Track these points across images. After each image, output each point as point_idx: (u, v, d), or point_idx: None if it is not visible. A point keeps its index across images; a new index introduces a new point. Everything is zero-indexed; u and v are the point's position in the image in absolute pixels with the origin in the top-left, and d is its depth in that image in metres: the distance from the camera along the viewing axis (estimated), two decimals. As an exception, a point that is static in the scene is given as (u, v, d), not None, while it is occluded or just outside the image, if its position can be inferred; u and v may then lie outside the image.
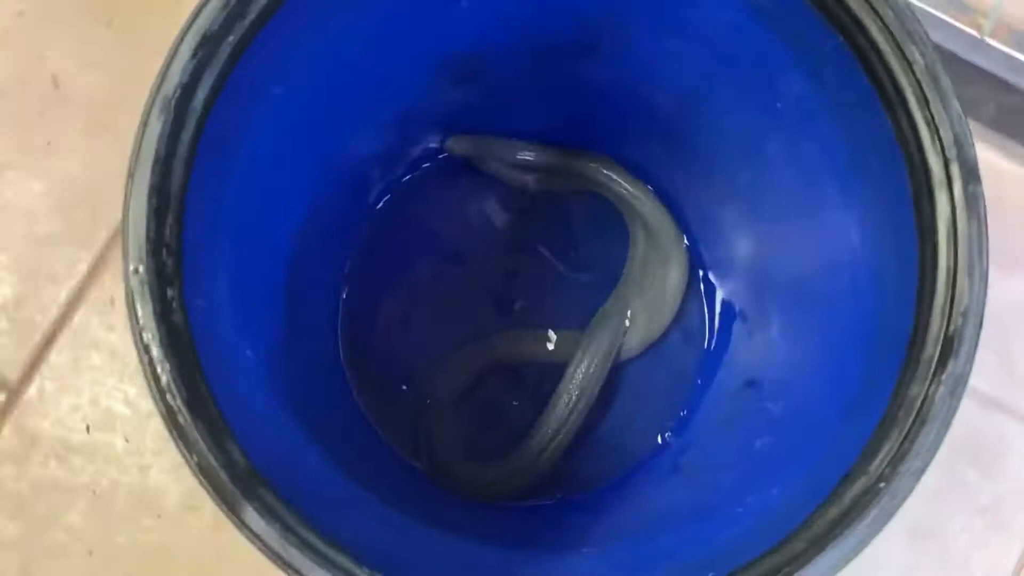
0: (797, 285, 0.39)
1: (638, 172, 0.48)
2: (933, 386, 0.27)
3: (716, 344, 0.47)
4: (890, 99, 0.29)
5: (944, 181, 0.28)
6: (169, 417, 0.27)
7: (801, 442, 0.34)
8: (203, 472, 0.26)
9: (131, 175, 0.28)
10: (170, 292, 0.27)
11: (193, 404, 0.27)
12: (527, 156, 0.47)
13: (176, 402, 0.27)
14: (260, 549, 0.26)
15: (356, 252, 0.47)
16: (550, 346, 0.46)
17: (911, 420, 0.27)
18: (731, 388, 0.44)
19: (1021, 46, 0.47)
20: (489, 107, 0.45)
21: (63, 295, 0.51)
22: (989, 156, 0.55)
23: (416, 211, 0.48)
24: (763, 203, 0.41)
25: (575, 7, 0.39)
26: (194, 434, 0.26)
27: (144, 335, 0.27)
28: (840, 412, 0.32)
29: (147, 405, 0.51)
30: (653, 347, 0.47)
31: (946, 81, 0.28)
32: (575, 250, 0.48)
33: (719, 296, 0.47)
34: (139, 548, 0.49)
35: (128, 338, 0.51)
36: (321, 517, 0.28)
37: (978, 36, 0.47)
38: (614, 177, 0.47)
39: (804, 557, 0.26)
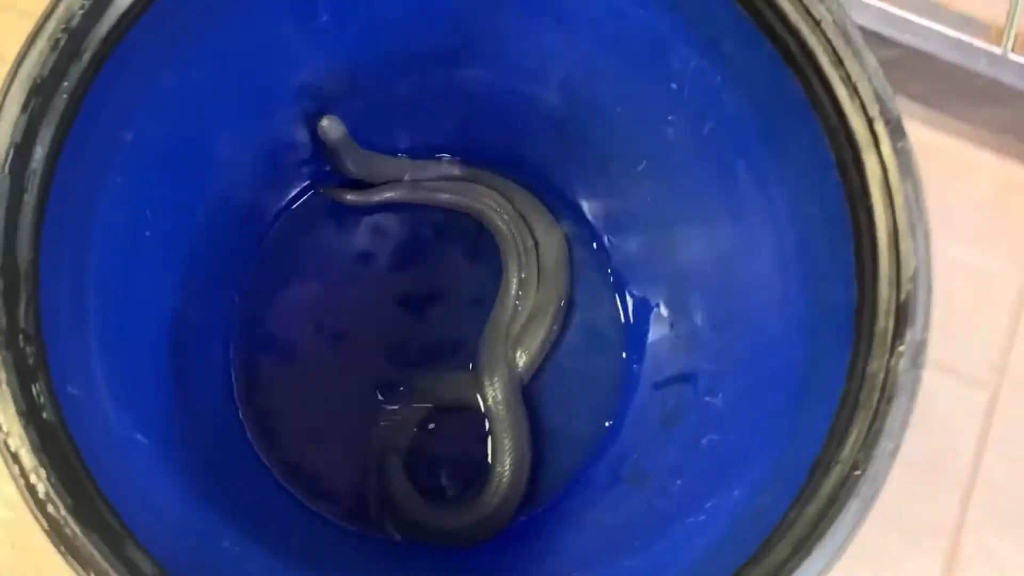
0: (717, 271, 0.37)
1: (538, 174, 0.45)
2: (894, 359, 0.25)
3: (635, 343, 0.45)
4: (798, 61, 0.28)
5: (871, 141, 0.26)
6: (54, 532, 0.23)
7: (754, 436, 0.32)
8: (106, 592, 0.22)
9: None
10: (35, 387, 0.23)
11: (80, 512, 0.23)
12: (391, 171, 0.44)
13: (60, 513, 0.23)
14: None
15: (242, 301, 0.44)
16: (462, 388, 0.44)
17: (877, 398, 0.25)
18: (661, 386, 0.42)
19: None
20: (370, 127, 0.41)
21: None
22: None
23: (302, 248, 0.44)
24: (670, 191, 0.39)
25: (440, 10, 0.36)
26: (87, 547, 0.22)
27: (10, 442, 0.23)
28: (791, 398, 0.30)
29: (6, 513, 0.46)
30: (567, 357, 0.45)
31: (858, 36, 0.26)
32: (460, 281, 0.46)
33: (632, 293, 0.45)
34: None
35: None
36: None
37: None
38: (488, 203, 0.45)
39: (792, 563, 0.24)
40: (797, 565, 0.24)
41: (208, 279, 0.39)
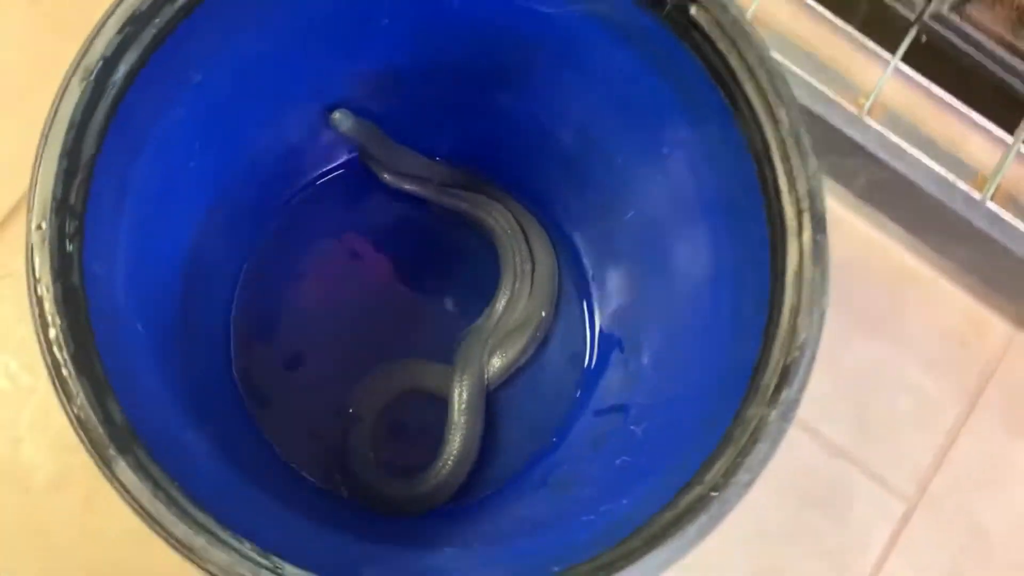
0: (669, 319, 0.42)
1: (542, 201, 0.51)
2: (768, 410, 0.30)
3: (595, 369, 0.49)
4: (757, 151, 0.33)
5: (796, 229, 0.31)
6: (54, 368, 0.28)
7: (654, 461, 0.36)
8: (81, 424, 0.27)
9: (44, 137, 0.29)
10: (70, 247, 0.29)
11: (78, 359, 0.28)
12: (410, 166, 0.49)
13: (63, 355, 0.28)
14: (128, 503, 0.27)
15: (255, 254, 0.49)
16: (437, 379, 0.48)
17: (745, 438, 0.30)
18: (601, 413, 0.47)
19: (895, 126, 0.52)
20: (402, 121, 0.47)
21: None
22: (859, 225, 0.59)
23: (323, 216, 0.50)
24: (649, 243, 0.44)
25: (486, 39, 0.42)
26: (76, 387, 0.28)
27: (39, 287, 0.28)
28: (690, 433, 0.35)
29: (28, 380, 0.51)
30: (539, 371, 0.49)
31: (807, 141, 0.31)
32: (458, 280, 0.51)
33: (600, 325, 0.50)
34: (2, 525, 0.49)
35: (18, 310, 0.52)
36: (190, 484, 0.29)
37: (857, 113, 0.52)
38: (495, 217, 0.50)
39: (638, 553, 0.29)
40: (644, 555, 0.29)
41: (232, 218, 0.44)
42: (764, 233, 0.33)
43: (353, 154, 0.49)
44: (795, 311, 0.31)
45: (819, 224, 0.31)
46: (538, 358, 0.50)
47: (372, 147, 0.48)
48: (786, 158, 0.31)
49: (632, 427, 0.42)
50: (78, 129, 0.29)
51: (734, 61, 0.32)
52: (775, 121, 0.32)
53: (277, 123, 0.44)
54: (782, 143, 0.32)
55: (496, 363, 0.48)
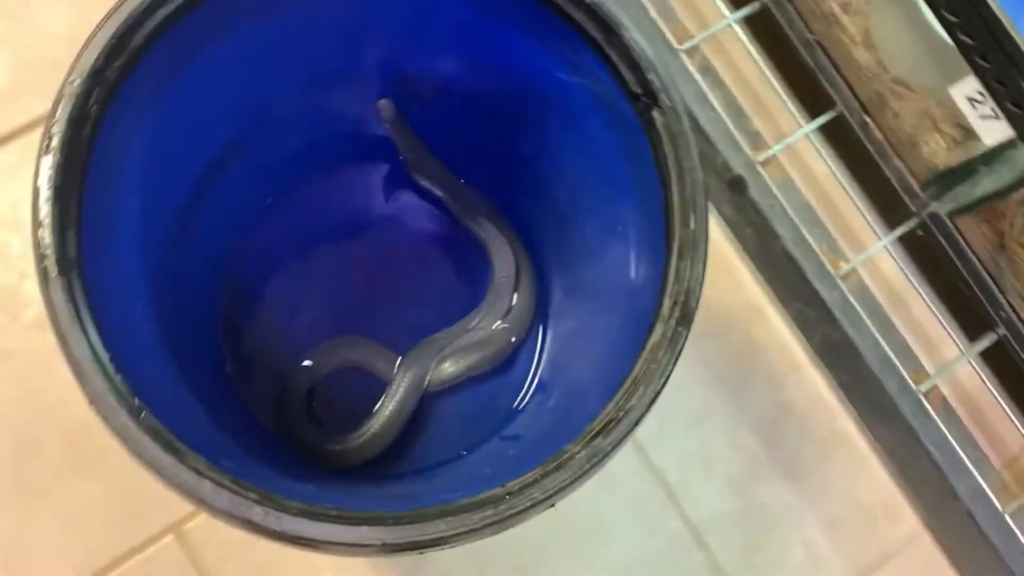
0: (575, 368, 0.47)
1: (534, 243, 0.55)
2: (580, 448, 0.35)
3: (520, 409, 0.54)
4: (669, 246, 0.38)
5: (666, 316, 0.36)
6: (43, 281, 0.34)
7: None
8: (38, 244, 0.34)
9: (107, 17, 0.36)
10: (92, 107, 0.35)
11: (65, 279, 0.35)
12: (433, 171, 0.55)
13: (53, 275, 0.34)
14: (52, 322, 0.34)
15: (270, 197, 0.54)
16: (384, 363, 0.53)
17: (552, 465, 0.35)
18: (506, 438, 0.51)
19: (862, 297, 0.56)
20: (432, 130, 0.53)
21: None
22: (811, 376, 0.63)
23: (330, 193, 0.55)
24: (591, 286, 0.49)
25: (513, 83, 0.47)
26: (64, 311, 0.34)
27: (54, 127, 0.35)
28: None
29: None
30: (474, 393, 0.54)
31: (702, 248, 0.36)
32: (440, 283, 0.56)
33: (541, 369, 0.54)
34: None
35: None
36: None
37: (833, 273, 0.56)
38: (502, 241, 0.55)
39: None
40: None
41: (254, 158, 0.50)
42: (651, 312, 0.38)
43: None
44: (636, 381, 0.35)
45: (684, 319, 0.36)
46: (484, 377, 0.54)
47: (402, 142, 0.54)
48: (681, 256, 0.36)
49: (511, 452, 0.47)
50: (127, 32, 0.36)
51: (671, 164, 0.37)
52: (685, 224, 0.37)
53: (322, 89, 0.50)
54: (684, 243, 0.37)
55: (447, 368, 0.52)
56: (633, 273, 0.43)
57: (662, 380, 0.35)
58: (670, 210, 0.38)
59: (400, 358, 0.53)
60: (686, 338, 0.36)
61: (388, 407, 0.51)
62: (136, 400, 0.33)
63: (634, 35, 0.38)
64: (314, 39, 0.45)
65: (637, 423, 0.35)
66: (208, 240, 0.51)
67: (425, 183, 0.55)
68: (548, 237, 0.55)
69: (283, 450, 0.50)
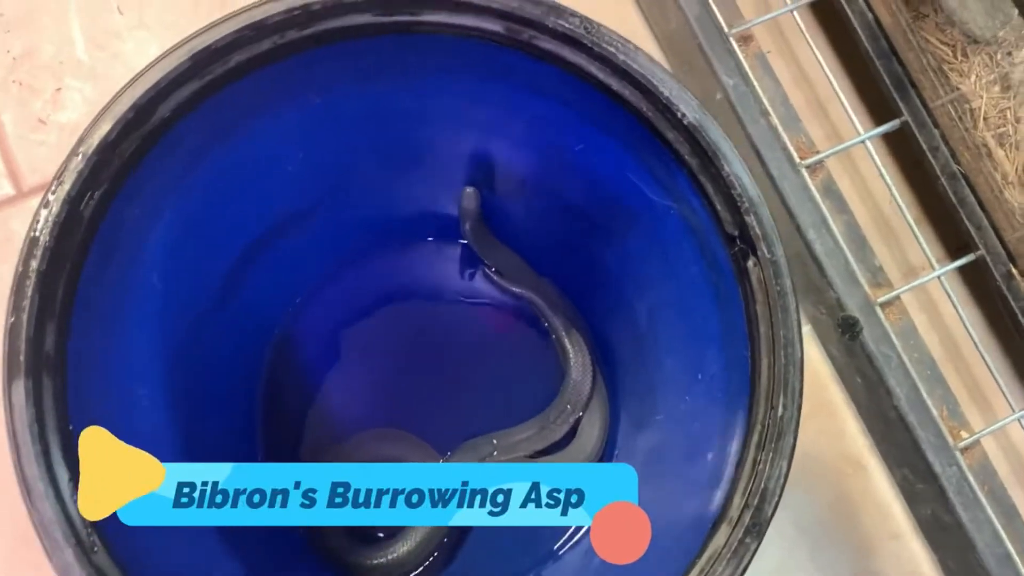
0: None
1: (600, 346, 0.49)
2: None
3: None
4: (750, 427, 0.31)
5: (733, 519, 0.29)
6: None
7: None
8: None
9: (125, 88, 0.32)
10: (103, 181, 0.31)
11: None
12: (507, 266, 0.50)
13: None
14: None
15: (315, 285, 0.50)
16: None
17: None
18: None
19: (980, 473, 0.48)
20: (513, 221, 0.48)
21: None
22: (920, 558, 0.54)
23: (398, 268, 0.50)
24: (657, 434, 0.43)
25: (602, 194, 0.42)
26: None
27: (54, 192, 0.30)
28: None
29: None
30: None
31: (790, 443, 0.29)
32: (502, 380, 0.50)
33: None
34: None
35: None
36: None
37: (952, 444, 0.48)
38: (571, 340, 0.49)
39: None
40: None
41: (302, 245, 0.46)
42: (717, 504, 0.31)
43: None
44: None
45: (755, 528, 0.29)
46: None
47: (476, 236, 0.49)
48: (762, 446, 0.30)
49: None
50: (164, 91, 0.32)
51: (762, 331, 0.30)
52: (771, 406, 0.30)
53: (394, 166, 0.45)
54: (767, 431, 0.30)
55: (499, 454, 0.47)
56: (706, 440, 0.36)
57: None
58: (756, 386, 0.31)
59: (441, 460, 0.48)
60: (754, 552, 0.29)
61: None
62: (90, 533, 0.28)
63: (736, 168, 0.31)
64: (383, 123, 0.41)
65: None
66: (256, 307, 0.47)
67: (503, 279, 0.50)
68: (624, 358, 0.48)
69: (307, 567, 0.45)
